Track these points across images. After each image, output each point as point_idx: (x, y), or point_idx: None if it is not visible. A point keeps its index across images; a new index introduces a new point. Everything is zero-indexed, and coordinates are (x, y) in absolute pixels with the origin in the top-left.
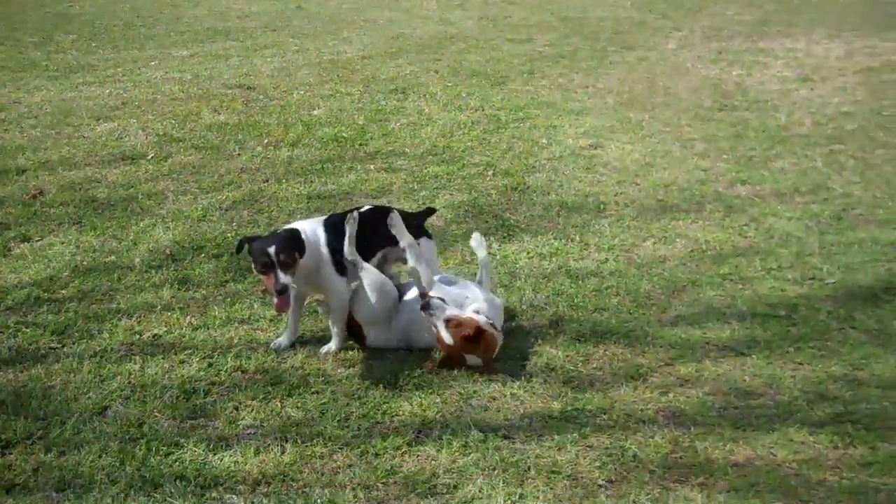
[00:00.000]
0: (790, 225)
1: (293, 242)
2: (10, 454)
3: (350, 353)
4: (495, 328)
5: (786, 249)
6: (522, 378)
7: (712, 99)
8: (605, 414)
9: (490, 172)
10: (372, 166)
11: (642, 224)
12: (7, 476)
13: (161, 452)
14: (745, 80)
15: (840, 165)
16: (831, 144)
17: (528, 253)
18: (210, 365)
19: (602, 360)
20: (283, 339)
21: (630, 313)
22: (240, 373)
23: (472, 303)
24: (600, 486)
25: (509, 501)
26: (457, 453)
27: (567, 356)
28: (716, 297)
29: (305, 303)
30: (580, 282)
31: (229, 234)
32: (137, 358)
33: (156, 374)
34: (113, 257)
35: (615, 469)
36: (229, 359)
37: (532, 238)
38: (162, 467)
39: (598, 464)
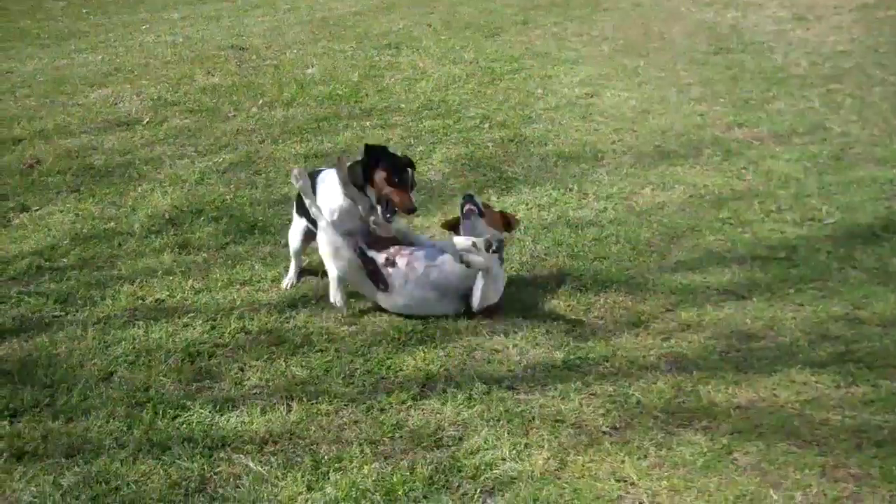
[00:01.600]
0: (788, 166)
1: None
2: (19, 422)
3: (351, 310)
4: None
5: (784, 191)
6: (525, 329)
7: (707, 42)
8: (607, 362)
9: (486, 125)
10: (368, 123)
11: (640, 171)
12: (16, 444)
13: (168, 415)
14: (740, 22)
15: (837, 105)
16: (828, 84)
17: (527, 204)
18: (213, 327)
19: (603, 308)
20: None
21: (630, 261)
22: (243, 334)
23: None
24: (604, 432)
25: (514, 451)
26: (461, 406)
27: (569, 306)
28: (715, 242)
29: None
30: (580, 231)
31: (227, 197)
32: (141, 323)
33: (160, 338)
34: (112, 224)
35: (619, 416)
36: (232, 321)
37: (530, 189)
38: (169, 430)
39: (601, 411)
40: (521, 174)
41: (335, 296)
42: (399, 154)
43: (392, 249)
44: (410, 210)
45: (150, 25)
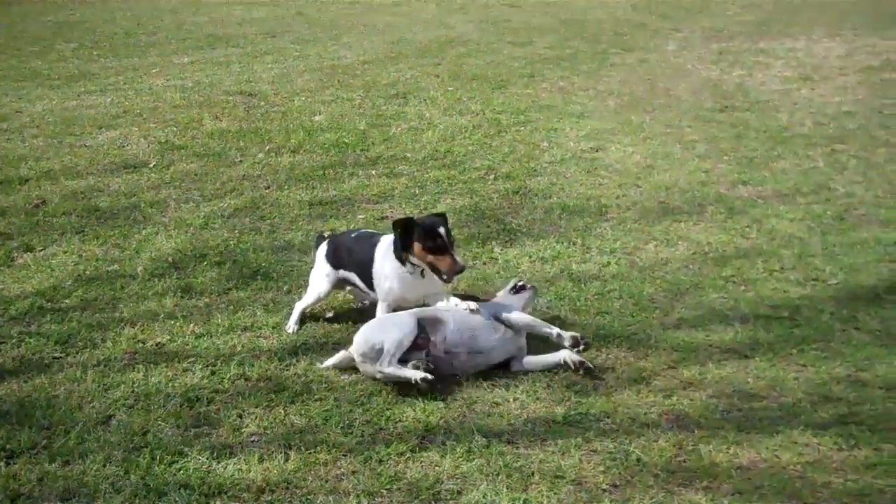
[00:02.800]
0: (792, 226)
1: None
2: (15, 464)
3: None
4: None
5: (788, 250)
6: (525, 383)
7: (713, 100)
8: (608, 418)
9: (491, 176)
10: (374, 171)
11: (644, 227)
12: (12, 486)
13: (165, 461)
14: (746, 81)
15: (842, 165)
16: (833, 144)
17: (530, 257)
18: (213, 373)
19: (605, 363)
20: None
21: (633, 317)
22: (243, 380)
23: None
24: (604, 490)
25: None
26: (460, 459)
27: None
28: (718, 300)
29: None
30: (582, 285)
31: (231, 242)
32: (141, 367)
33: (159, 382)
34: (116, 266)
35: (619, 473)
36: (232, 366)
37: (534, 242)
38: (166, 476)
39: (601, 468)
40: (524, 226)
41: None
42: (427, 217)
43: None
44: (459, 271)
45: (160, 69)
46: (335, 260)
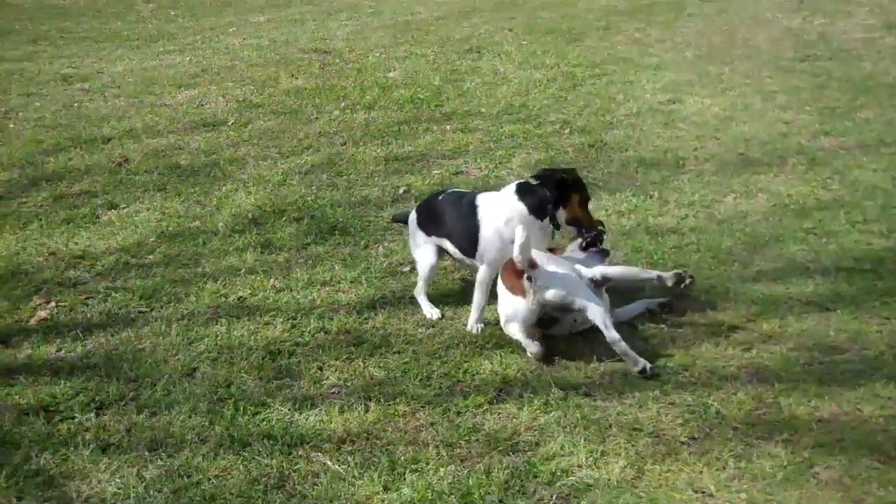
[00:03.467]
0: (875, 177)
1: None
2: (104, 415)
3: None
4: None
5: (871, 202)
6: (602, 336)
7: (794, 49)
8: (686, 371)
9: (567, 130)
10: (448, 127)
11: (723, 179)
12: (102, 436)
13: (248, 412)
14: (828, 30)
15: None
16: None
17: (607, 210)
18: (293, 326)
19: (683, 317)
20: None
21: (711, 269)
22: (323, 333)
23: None
24: (683, 443)
25: (591, 458)
26: (538, 411)
27: (648, 314)
28: (799, 252)
29: None
30: (660, 238)
31: (309, 198)
32: (223, 320)
33: (241, 335)
34: (197, 222)
35: (698, 426)
36: (312, 320)
37: (610, 195)
38: (250, 426)
39: (680, 421)
40: (601, 180)
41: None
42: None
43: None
44: (602, 233)
45: (237, 28)
46: (429, 227)
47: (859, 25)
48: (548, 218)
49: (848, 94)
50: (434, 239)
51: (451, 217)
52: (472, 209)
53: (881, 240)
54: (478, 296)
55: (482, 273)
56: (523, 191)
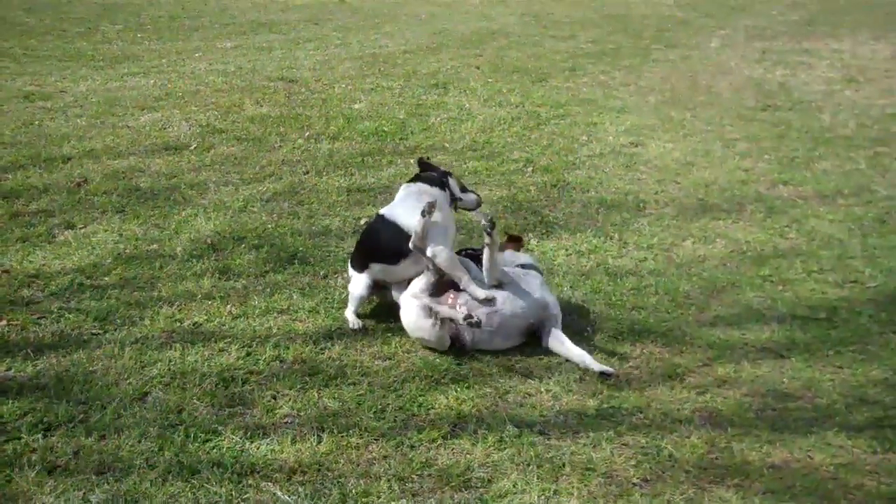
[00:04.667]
0: (832, 227)
1: None
2: (52, 436)
3: (386, 346)
4: None
5: (827, 252)
6: (559, 375)
7: (755, 99)
8: (641, 413)
9: (529, 169)
10: (412, 160)
11: (682, 223)
12: (49, 458)
13: (199, 439)
14: (789, 81)
15: (884, 168)
16: (875, 146)
17: (567, 250)
18: (249, 354)
19: (639, 359)
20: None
21: (668, 313)
22: (278, 362)
23: None
24: (635, 484)
25: (543, 497)
26: (492, 448)
27: (604, 354)
28: (755, 299)
29: None
30: (618, 280)
31: (269, 226)
32: (178, 345)
33: (195, 361)
34: (155, 246)
35: (650, 468)
36: (268, 348)
37: (571, 235)
38: (200, 454)
39: (633, 462)
40: (562, 219)
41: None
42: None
43: (452, 299)
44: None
45: (203, 53)
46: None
47: (820, 77)
48: (448, 190)
49: (807, 144)
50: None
51: (375, 237)
52: (384, 220)
53: (836, 289)
54: (458, 275)
55: (440, 256)
56: (415, 179)
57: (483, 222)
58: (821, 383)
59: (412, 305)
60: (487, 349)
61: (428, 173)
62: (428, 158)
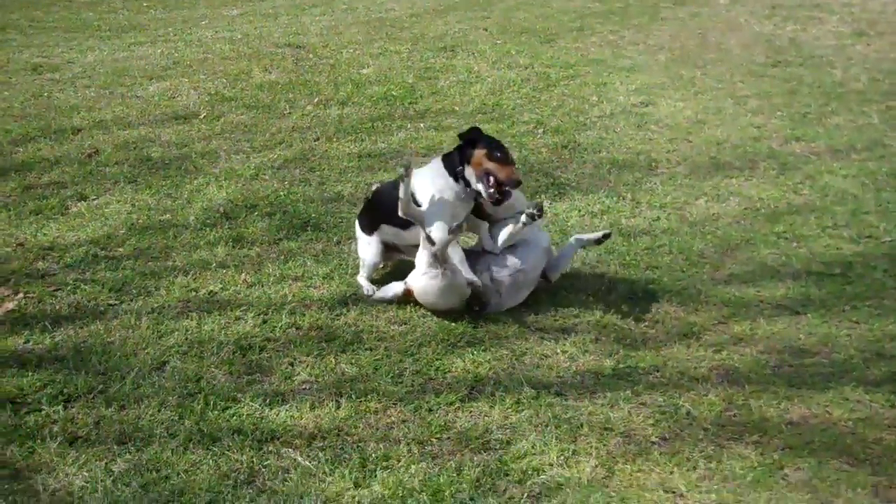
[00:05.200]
0: (846, 182)
1: None
2: (72, 408)
3: (401, 310)
4: None
5: (841, 207)
6: (575, 336)
7: (766, 55)
8: (657, 372)
9: (540, 130)
10: (422, 125)
11: (695, 182)
12: (70, 429)
13: (218, 407)
14: (800, 36)
15: None
16: (888, 100)
17: (580, 211)
18: (265, 321)
19: (655, 318)
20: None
21: (683, 272)
22: (294, 329)
23: None
24: (653, 443)
25: (562, 457)
26: (509, 409)
27: (619, 315)
28: (770, 256)
29: None
30: (632, 240)
31: (281, 193)
32: (194, 314)
33: (212, 330)
34: (168, 215)
35: (668, 426)
36: (283, 315)
37: (583, 196)
38: (220, 421)
39: (651, 421)
40: (573, 181)
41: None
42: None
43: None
44: (518, 182)
45: (209, 21)
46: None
47: (830, 32)
48: (462, 181)
49: (819, 99)
50: (379, 232)
51: (388, 199)
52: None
53: (850, 245)
54: (449, 255)
55: (435, 232)
56: (448, 155)
57: (530, 210)
58: (837, 339)
59: (420, 276)
60: (504, 309)
61: (451, 159)
62: (477, 132)
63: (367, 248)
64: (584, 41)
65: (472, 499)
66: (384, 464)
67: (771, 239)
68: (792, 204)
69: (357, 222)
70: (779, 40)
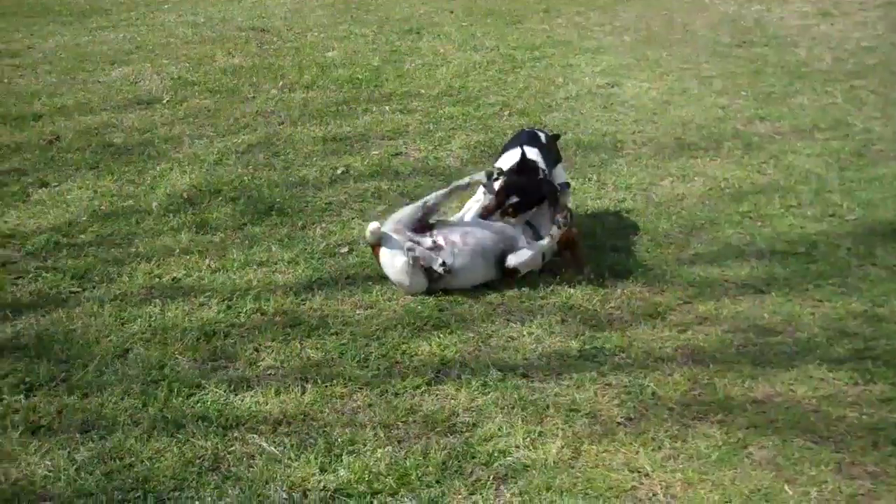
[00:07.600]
0: (810, 161)
1: None
2: (35, 396)
3: (367, 294)
4: None
5: (805, 186)
6: (541, 317)
7: (731, 35)
8: (623, 352)
9: (506, 112)
10: (387, 108)
11: (660, 162)
12: (32, 418)
13: (183, 394)
14: (764, 16)
15: (860, 101)
16: (851, 80)
17: None
18: (229, 307)
19: (620, 299)
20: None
21: (648, 252)
22: (259, 315)
23: None
24: (619, 423)
25: (528, 439)
26: (476, 392)
27: (585, 296)
28: (734, 235)
29: None
30: (597, 221)
31: (245, 178)
32: (157, 301)
33: (176, 316)
34: (131, 202)
35: (634, 406)
36: (248, 301)
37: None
38: (184, 408)
39: (616, 402)
40: None
41: None
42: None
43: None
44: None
45: (172, 5)
46: None
47: (795, 13)
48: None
49: (783, 79)
50: None
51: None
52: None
53: (815, 224)
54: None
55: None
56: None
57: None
58: (801, 317)
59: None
60: (461, 286)
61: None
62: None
63: None
64: (550, 23)
65: (438, 482)
66: (350, 448)
67: (735, 219)
68: (756, 183)
69: None
70: (744, 20)
